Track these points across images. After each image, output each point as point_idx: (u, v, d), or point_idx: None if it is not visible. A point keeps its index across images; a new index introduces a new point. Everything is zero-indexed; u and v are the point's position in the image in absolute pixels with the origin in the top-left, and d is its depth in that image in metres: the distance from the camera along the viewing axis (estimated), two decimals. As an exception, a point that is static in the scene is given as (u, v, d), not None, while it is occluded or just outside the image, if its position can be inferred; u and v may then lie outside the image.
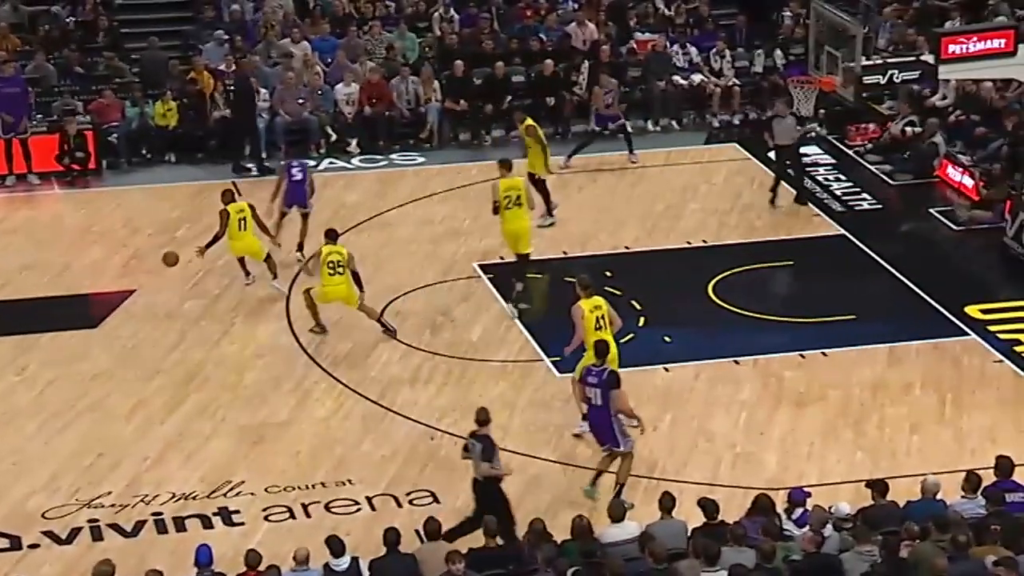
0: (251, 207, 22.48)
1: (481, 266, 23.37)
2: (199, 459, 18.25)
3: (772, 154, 26.13)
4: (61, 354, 20.74)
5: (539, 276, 22.82)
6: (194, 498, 17.40)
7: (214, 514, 17.10)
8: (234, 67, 28.74)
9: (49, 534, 16.71)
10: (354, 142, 28.66)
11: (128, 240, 24.22)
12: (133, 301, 22.30)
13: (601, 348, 17.38)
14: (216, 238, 22.32)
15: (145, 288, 22.60)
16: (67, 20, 30.22)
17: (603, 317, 18.34)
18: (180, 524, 16.94)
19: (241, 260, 22.74)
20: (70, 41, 29.76)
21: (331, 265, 20.91)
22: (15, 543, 16.56)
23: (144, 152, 28.17)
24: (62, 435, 18.77)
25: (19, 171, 26.84)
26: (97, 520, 16.97)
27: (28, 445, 18.55)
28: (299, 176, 23.90)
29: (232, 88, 28.35)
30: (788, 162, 25.75)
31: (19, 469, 18.00)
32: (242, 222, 22.35)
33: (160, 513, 17.11)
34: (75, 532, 16.76)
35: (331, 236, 21.33)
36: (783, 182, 25.65)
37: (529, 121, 24.75)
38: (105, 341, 21.19)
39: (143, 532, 16.82)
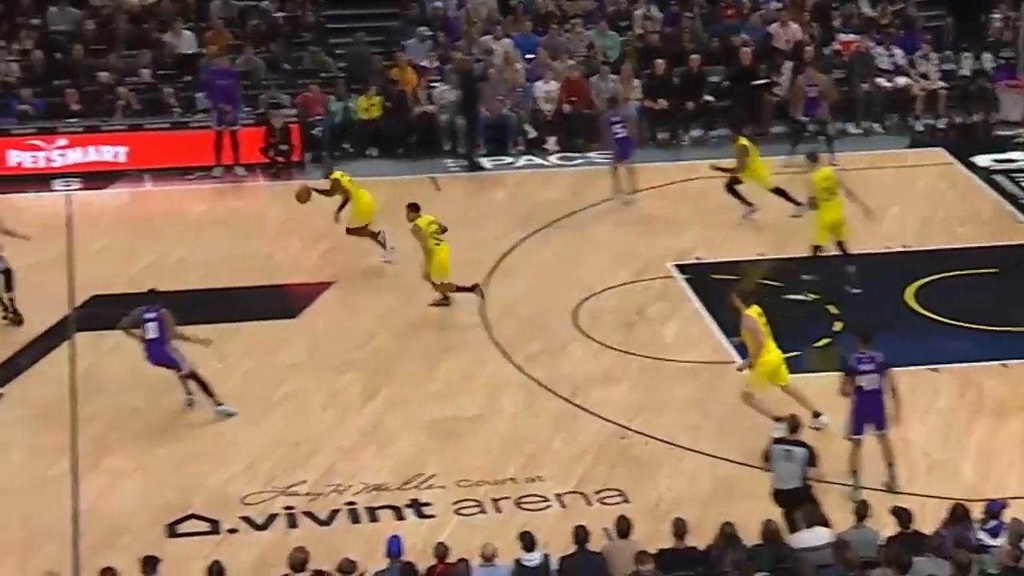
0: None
1: (677, 266, 23.29)
2: (391, 451, 18.44)
3: None
4: (260, 343, 21.13)
5: (735, 277, 22.67)
6: (386, 489, 17.61)
7: (406, 506, 17.28)
8: (448, 64, 29.14)
9: (247, 519, 17.03)
10: (552, 140, 28.76)
11: (328, 233, 24.53)
12: (331, 293, 22.64)
13: (866, 335, 17.70)
14: (344, 204, 23.18)
15: (343, 280, 22.93)
16: (275, 15, 30.80)
17: (766, 323, 18.48)
18: (373, 514, 17.15)
19: (377, 234, 23.20)
20: (278, 36, 30.34)
21: (434, 234, 21.46)
22: (214, 527, 16.93)
23: (346, 146, 28.59)
24: (260, 423, 19.11)
25: (227, 162, 27.43)
26: (293, 508, 17.25)
27: (227, 431, 18.91)
28: (622, 132, 24.40)
29: (438, 83, 28.72)
30: None
31: (219, 455, 18.37)
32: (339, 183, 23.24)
33: (353, 503, 17.34)
34: (271, 518, 17.07)
35: (417, 208, 21.71)
36: None
37: (742, 140, 24.70)
38: (303, 332, 21.53)
39: (337, 521, 17.07)
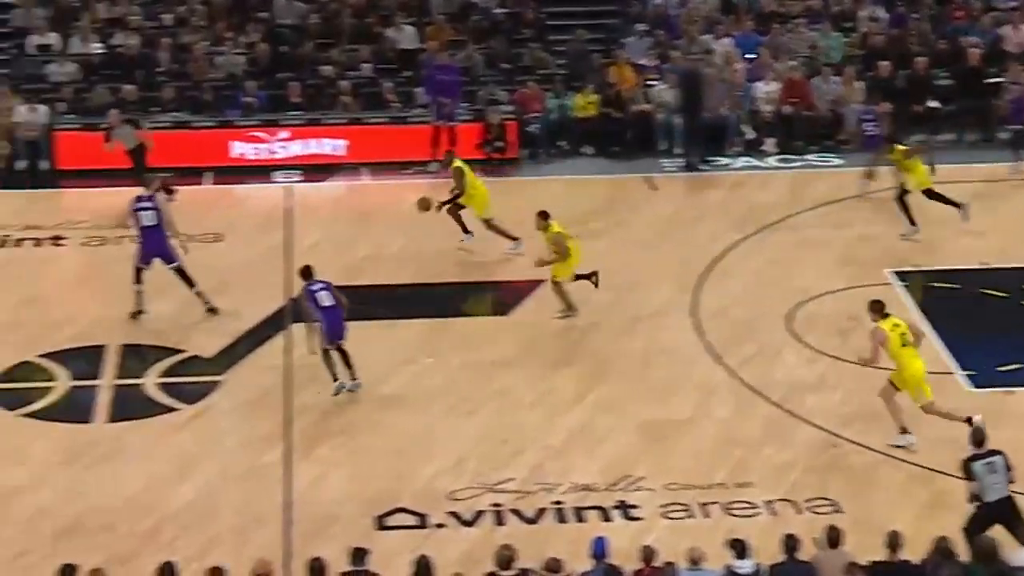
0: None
1: (895, 273, 22.82)
2: (601, 451, 18.35)
3: None
4: (471, 339, 21.19)
5: (955, 287, 22.17)
6: (594, 490, 17.51)
7: (613, 507, 17.18)
8: (667, 62, 29.04)
9: (454, 515, 17.08)
10: (771, 141, 28.43)
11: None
12: (543, 291, 22.60)
13: None
14: (456, 197, 23.70)
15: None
16: (496, 11, 30.93)
17: (904, 333, 18.14)
18: (580, 515, 17.07)
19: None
20: (498, 32, 30.46)
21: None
22: (422, 521, 17.01)
23: (562, 143, 28.60)
24: (469, 419, 19.17)
25: (443, 158, 27.59)
26: (500, 505, 17.25)
27: (436, 426, 19.01)
28: (873, 129, 24.31)
29: (656, 82, 28.63)
30: None
31: (428, 449, 18.45)
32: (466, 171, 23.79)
33: (561, 502, 17.28)
34: (479, 515, 17.09)
35: (548, 216, 21.60)
36: None
37: (900, 147, 24.15)
38: (514, 329, 21.55)
39: (543, 520, 17.02)
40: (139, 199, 21.74)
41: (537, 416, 19.23)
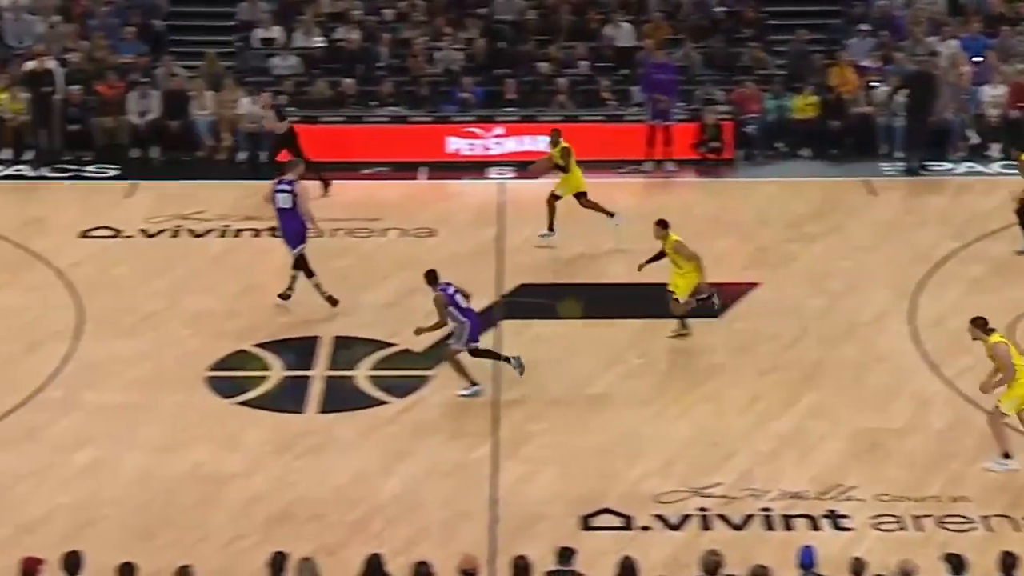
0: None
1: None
2: (811, 459, 18.06)
3: None
4: (682, 342, 21.01)
5: None
6: (803, 498, 17.24)
7: (823, 516, 16.89)
8: (891, 64, 28.60)
9: (660, 518, 16.95)
10: (996, 146, 27.75)
11: (756, 233, 24.30)
12: (757, 294, 22.33)
13: None
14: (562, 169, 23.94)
15: (769, 282, 22.61)
16: (715, 10, 30.67)
17: (1010, 346, 17.81)
18: (788, 523, 16.82)
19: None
20: (717, 31, 30.19)
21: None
22: (627, 523, 16.89)
23: (779, 145, 28.24)
24: (678, 421, 19.02)
25: (657, 157, 27.46)
26: (707, 509, 17.07)
27: (644, 428, 18.88)
28: None
29: (879, 83, 28.14)
30: None
31: (635, 450, 18.33)
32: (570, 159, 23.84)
33: (769, 509, 17.05)
34: (685, 519, 16.93)
35: (667, 225, 20.98)
36: None
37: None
38: (726, 332, 21.31)
39: (751, 526, 16.81)
40: (280, 181, 21.97)
41: (747, 421, 18.99)
